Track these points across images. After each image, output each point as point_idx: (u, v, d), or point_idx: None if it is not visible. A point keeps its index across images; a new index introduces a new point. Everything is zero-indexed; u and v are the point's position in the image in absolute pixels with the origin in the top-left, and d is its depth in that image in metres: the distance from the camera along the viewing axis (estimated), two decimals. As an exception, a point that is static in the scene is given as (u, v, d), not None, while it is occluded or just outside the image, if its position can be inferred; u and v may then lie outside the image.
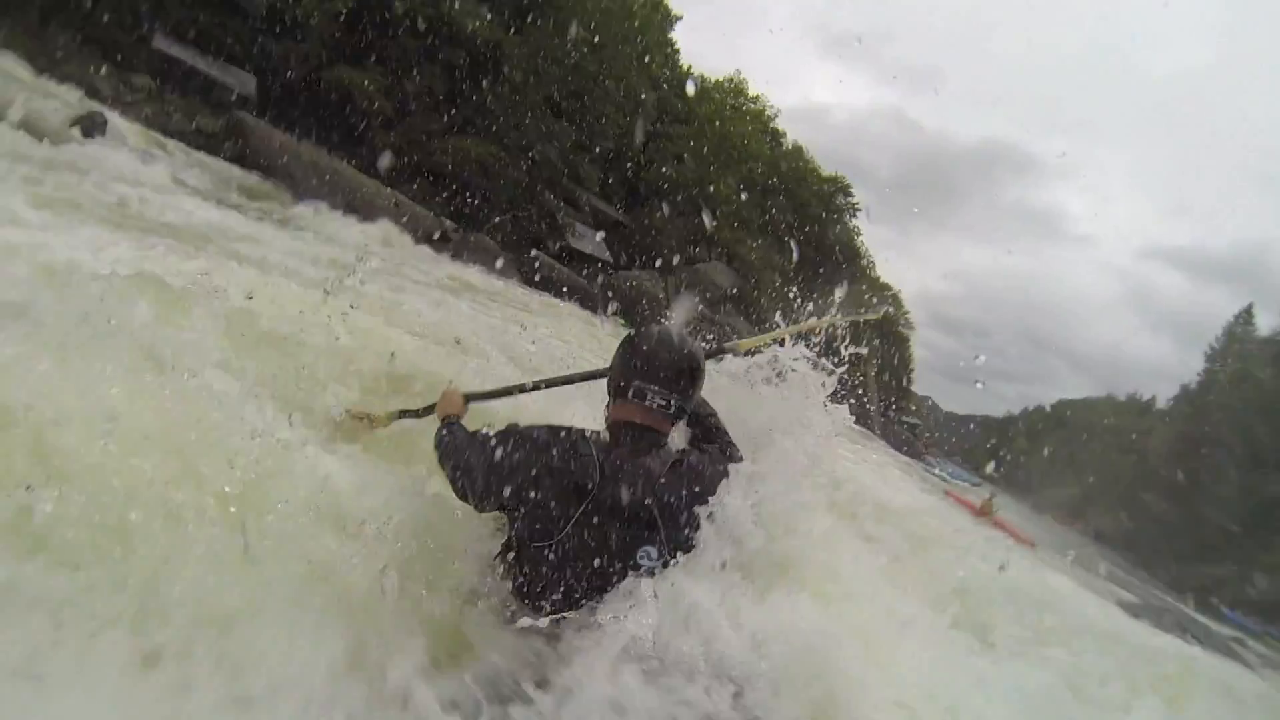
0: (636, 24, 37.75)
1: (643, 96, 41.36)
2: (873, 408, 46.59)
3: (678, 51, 53.82)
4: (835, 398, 3.09)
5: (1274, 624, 38.33)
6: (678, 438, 2.69)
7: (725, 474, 2.43)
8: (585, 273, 35.44)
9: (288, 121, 26.87)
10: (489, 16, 33.17)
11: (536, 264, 27.77)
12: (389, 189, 22.75)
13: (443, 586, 2.39)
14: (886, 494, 10.56)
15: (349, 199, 18.29)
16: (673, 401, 2.35)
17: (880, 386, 54.16)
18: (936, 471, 43.16)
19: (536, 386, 3.06)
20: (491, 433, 2.42)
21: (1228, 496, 57.64)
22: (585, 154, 36.85)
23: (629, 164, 44.13)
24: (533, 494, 2.22)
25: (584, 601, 2.19)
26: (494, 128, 32.76)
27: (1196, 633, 13.95)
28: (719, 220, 46.88)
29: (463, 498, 2.46)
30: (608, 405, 2.52)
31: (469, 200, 29.70)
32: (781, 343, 3.37)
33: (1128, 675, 4.91)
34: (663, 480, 2.27)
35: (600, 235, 38.27)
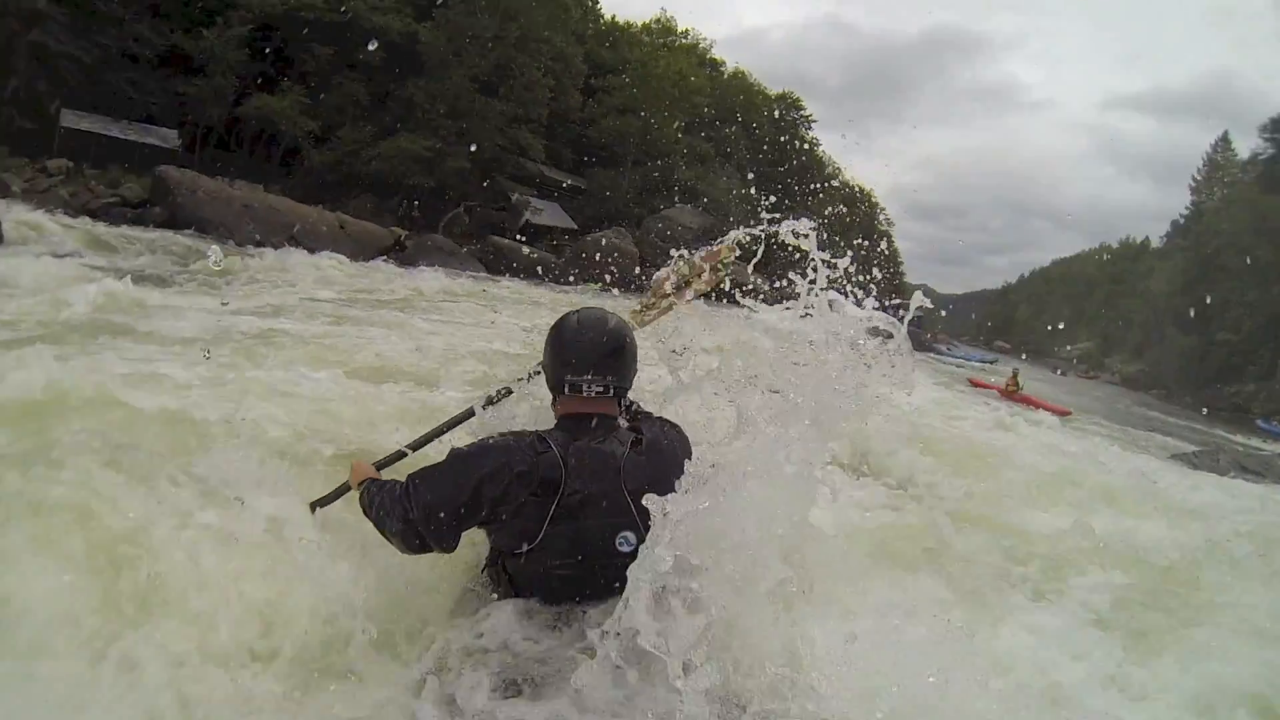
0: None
1: (569, 53, 40.62)
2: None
3: (598, 4, 53.21)
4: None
5: None
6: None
7: (685, 440, 2.44)
8: (554, 244, 35.15)
9: (220, 163, 26.51)
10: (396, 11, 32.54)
11: (492, 253, 27.41)
12: (332, 212, 22.28)
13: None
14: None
15: (290, 234, 17.79)
16: (610, 383, 2.32)
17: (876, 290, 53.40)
18: (950, 358, 42.65)
19: (427, 440, 2.81)
20: (437, 465, 2.30)
21: (1239, 316, 58.08)
22: (524, 125, 35.97)
23: (573, 125, 43.63)
24: (505, 503, 2.16)
25: (574, 599, 2.19)
26: (427, 121, 32.11)
27: (1253, 467, 13.95)
28: (675, 160, 46.46)
29: (419, 548, 2.30)
30: (553, 402, 2.49)
31: (413, 203, 29.20)
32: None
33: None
34: (627, 462, 2.23)
35: (556, 206, 37.94)
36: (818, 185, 61.78)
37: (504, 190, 35.19)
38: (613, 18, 55.33)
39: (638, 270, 33.61)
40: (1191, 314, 63.36)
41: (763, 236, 2.86)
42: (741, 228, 3.02)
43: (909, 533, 4.23)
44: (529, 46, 35.67)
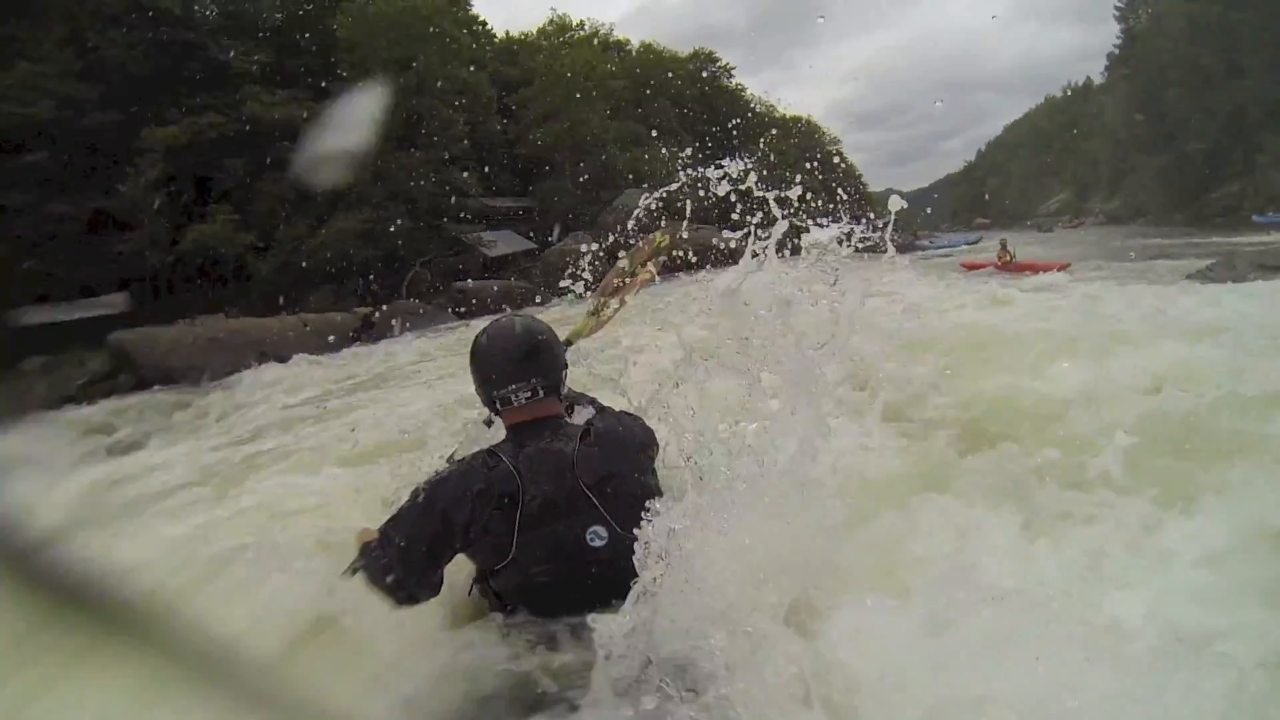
0: (430, 29, 36.33)
1: (474, 82, 40.38)
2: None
3: (485, 25, 52.98)
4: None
5: None
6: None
7: (646, 429, 2.47)
8: (520, 269, 35.07)
9: (179, 303, 26.40)
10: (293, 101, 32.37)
11: (460, 298, 27.18)
12: (294, 314, 22.15)
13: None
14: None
15: (259, 351, 17.61)
16: (535, 385, 2.37)
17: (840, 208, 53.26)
18: (935, 250, 42.26)
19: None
20: (400, 509, 2.30)
21: (1202, 122, 57.86)
22: (453, 166, 35.68)
23: (502, 151, 43.46)
24: (473, 524, 2.19)
25: (561, 603, 2.16)
26: (356, 195, 31.89)
27: (1272, 262, 13.89)
28: (610, 150, 46.29)
29: (406, 599, 2.23)
30: (498, 419, 2.55)
31: (369, 278, 29.05)
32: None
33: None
34: (578, 456, 2.26)
35: (508, 232, 37.80)
36: (739, 121, 62.39)
37: (453, 236, 34.93)
38: (507, 34, 55.31)
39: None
40: (1150, 130, 63.82)
41: (703, 189, 2.89)
42: (663, 190, 3.15)
43: (920, 467, 3.92)
44: (431, 89, 35.27)
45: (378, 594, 2.21)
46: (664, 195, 3.15)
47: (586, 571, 2.17)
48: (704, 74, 64.54)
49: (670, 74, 57.61)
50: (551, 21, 52.32)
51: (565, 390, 2.58)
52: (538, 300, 26.72)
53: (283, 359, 16.43)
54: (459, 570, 2.40)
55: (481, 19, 50.28)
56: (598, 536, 2.18)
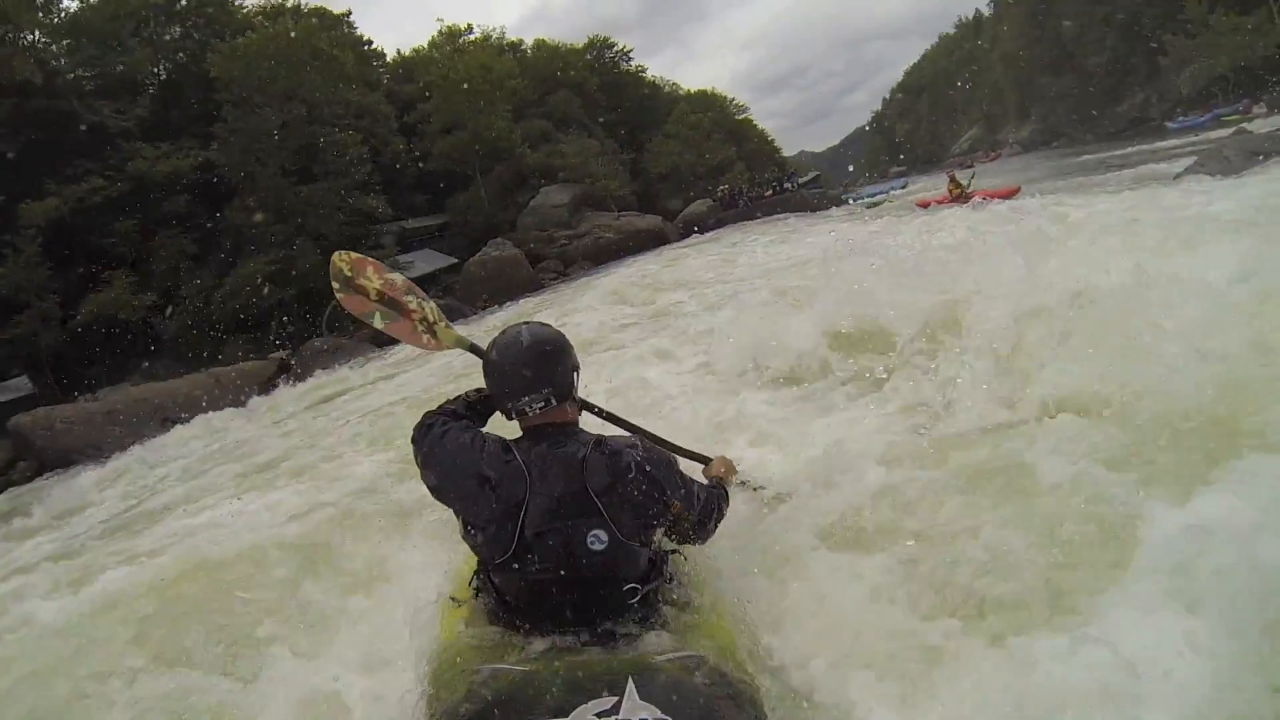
0: (308, 54, 34.85)
1: (369, 103, 39.12)
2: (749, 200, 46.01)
3: (379, 50, 51.59)
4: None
5: (1211, 108, 40.05)
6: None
7: (651, 455, 2.41)
8: (444, 286, 34.05)
9: (88, 376, 25.07)
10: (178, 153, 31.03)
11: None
12: (201, 372, 20.86)
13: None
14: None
15: (164, 415, 16.38)
16: (547, 395, 2.40)
17: (757, 182, 52.99)
18: (867, 200, 41.85)
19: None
20: (443, 428, 2.48)
21: (1099, 37, 59.14)
22: (358, 191, 34.32)
23: (409, 170, 42.29)
24: (473, 505, 2.30)
25: (557, 603, 2.25)
26: (259, 237, 30.78)
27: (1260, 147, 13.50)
28: (520, 150, 45.40)
29: (424, 479, 2.50)
30: None
31: (284, 320, 27.74)
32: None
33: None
34: (589, 461, 2.28)
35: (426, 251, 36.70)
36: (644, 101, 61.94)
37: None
38: (399, 52, 54.12)
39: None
40: (1048, 52, 64.76)
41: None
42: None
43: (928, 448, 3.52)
44: (324, 116, 33.91)
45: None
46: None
47: (584, 573, 2.22)
48: (602, 61, 63.79)
49: (568, 66, 56.90)
50: (441, 32, 50.82)
51: (577, 393, 2.59)
52: (466, 315, 25.94)
53: (188, 420, 15.21)
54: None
55: (367, 39, 49.08)
56: (598, 540, 2.22)
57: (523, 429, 2.47)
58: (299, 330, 27.16)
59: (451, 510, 2.42)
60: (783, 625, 2.60)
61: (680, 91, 71.65)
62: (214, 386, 18.68)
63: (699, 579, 2.64)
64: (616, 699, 1.79)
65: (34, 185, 28.07)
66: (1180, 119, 41.09)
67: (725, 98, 74.11)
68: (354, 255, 3.28)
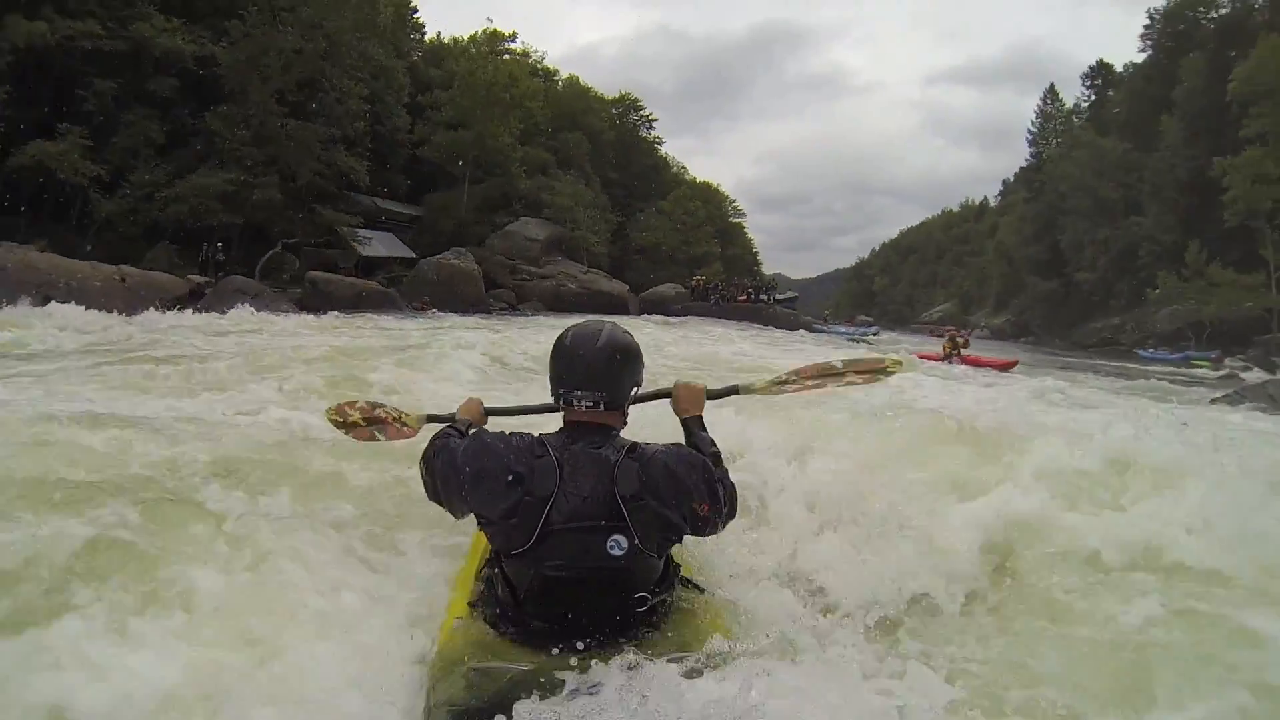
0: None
1: (390, 67, 38.34)
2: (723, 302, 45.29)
3: (420, 22, 51.02)
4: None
5: (1182, 349, 41.70)
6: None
7: (683, 460, 2.40)
8: (391, 276, 33.15)
9: (4, 226, 23.52)
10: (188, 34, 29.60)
11: (311, 289, 24.99)
12: (114, 265, 19.65)
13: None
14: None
15: (43, 294, 15.17)
16: (599, 399, 2.41)
17: (734, 283, 52.85)
18: (851, 335, 41.92)
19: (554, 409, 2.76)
20: (459, 443, 2.48)
21: (1094, 254, 61.39)
22: (342, 147, 32.98)
23: (403, 149, 41.55)
24: (501, 502, 2.26)
25: (569, 601, 2.25)
26: (230, 152, 29.14)
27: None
28: (514, 172, 45.00)
29: (435, 501, 2.55)
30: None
31: (217, 247, 26.47)
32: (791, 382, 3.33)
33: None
34: (620, 467, 2.28)
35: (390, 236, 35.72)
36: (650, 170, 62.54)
37: (329, 223, 32.60)
38: (438, 35, 53.36)
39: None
40: (1042, 253, 68.55)
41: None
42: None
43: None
44: (339, 58, 32.76)
45: (421, 471, 2.54)
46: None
47: (599, 576, 2.23)
48: (625, 119, 64.28)
49: (590, 111, 57.11)
50: (485, 31, 49.47)
51: (629, 405, 2.58)
52: (400, 310, 25.14)
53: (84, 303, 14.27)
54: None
55: (413, 4, 48.57)
56: (618, 545, 2.21)
57: (564, 420, 2.50)
58: (229, 262, 25.97)
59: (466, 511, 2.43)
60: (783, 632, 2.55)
61: (686, 175, 72.39)
62: (116, 284, 17.64)
63: (701, 583, 2.71)
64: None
65: (33, 4, 26.38)
66: (1151, 350, 42.67)
67: (726, 196, 75.44)
68: (332, 407, 3.61)
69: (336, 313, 21.45)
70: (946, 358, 21.18)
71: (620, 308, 38.67)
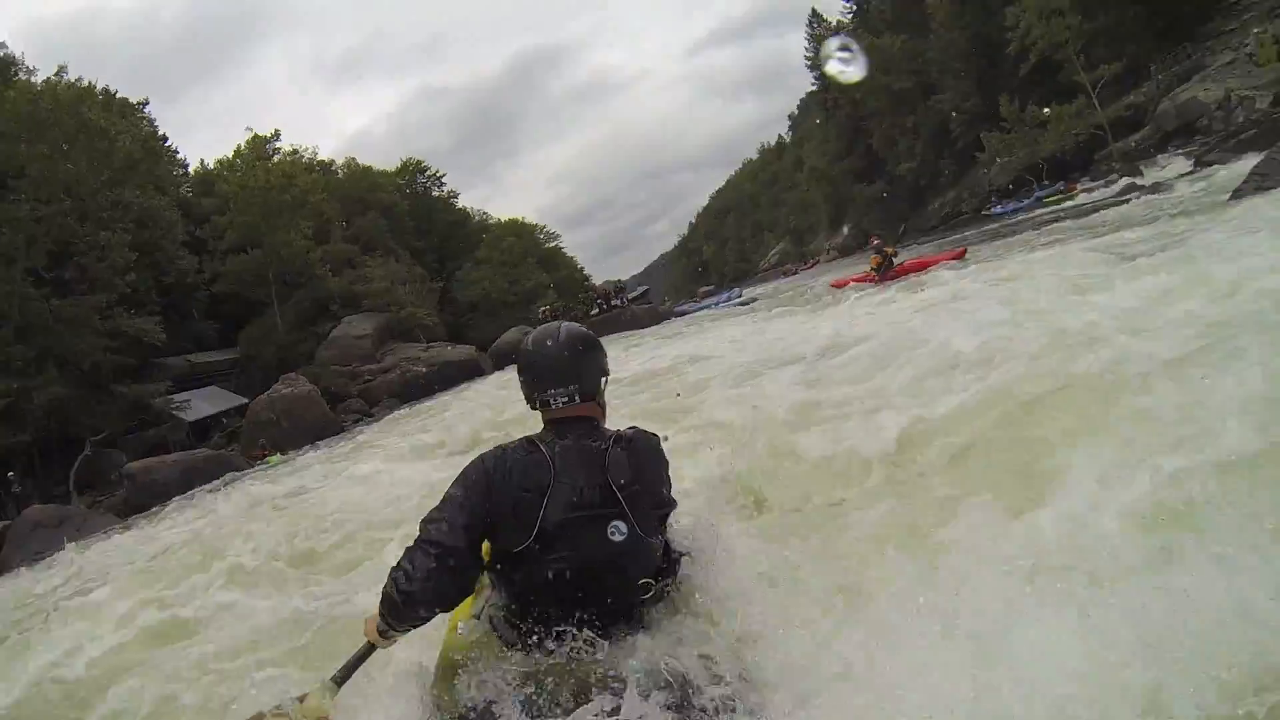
0: (80, 138, 29.77)
1: (155, 208, 35.07)
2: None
3: (175, 153, 47.73)
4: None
5: (1029, 192, 44.40)
6: None
7: (656, 441, 2.54)
8: (228, 430, 30.36)
9: None
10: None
11: (132, 485, 21.59)
12: None
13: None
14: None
15: None
16: (573, 392, 2.46)
17: (581, 300, 51.25)
18: (705, 309, 40.74)
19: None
20: (444, 496, 2.41)
21: (909, 144, 64.54)
22: (129, 311, 29.42)
23: (201, 296, 38.54)
24: (504, 505, 2.29)
25: (574, 592, 2.25)
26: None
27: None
28: (320, 274, 42.68)
29: (455, 578, 2.33)
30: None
31: (7, 476, 22.93)
32: None
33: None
34: (611, 456, 2.35)
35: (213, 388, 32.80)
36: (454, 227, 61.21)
37: (139, 400, 29.38)
38: (201, 163, 50.02)
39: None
40: (861, 163, 72.34)
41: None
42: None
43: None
44: (90, 212, 28.94)
45: (417, 603, 2.29)
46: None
47: (602, 564, 2.26)
48: (414, 185, 62.66)
49: (378, 188, 55.31)
50: (250, 142, 46.12)
51: (603, 396, 2.61)
52: (240, 470, 21.59)
53: None
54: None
55: (163, 134, 45.35)
56: (618, 532, 2.25)
57: (545, 421, 2.50)
58: (31, 489, 22.53)
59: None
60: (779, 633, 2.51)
61: (490, 220, 71.24)
62: None
63: (704, 583, 2.64)
64: (617, 701, 1.88)
65: None
66: (1000, 205, 44.92)
67: (535, 226, 74.54)
68: None
69: (157, 507, 17.70)
70: (879, 277, 18.06)
71: (474, 370, 36.79)
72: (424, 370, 36.48)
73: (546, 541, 2.24)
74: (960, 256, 17.30)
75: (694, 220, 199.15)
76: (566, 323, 2.60)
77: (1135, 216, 16.43)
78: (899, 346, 6.69)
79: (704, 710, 1.87)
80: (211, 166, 48.47)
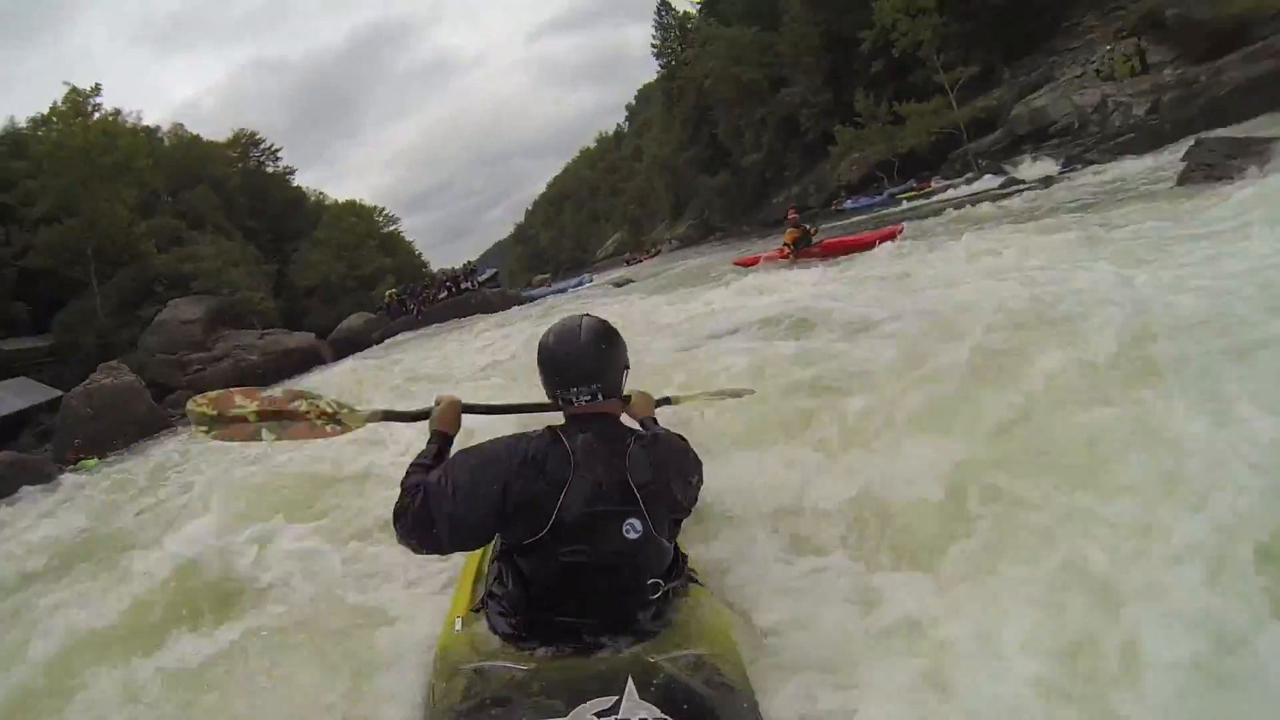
0: None
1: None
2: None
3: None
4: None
5: (880, 189, 45.11)
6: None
7: (678, 441, 2.60)
8: (39, 429, 28.39)
9: None
10: None
11: None
12: None
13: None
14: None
15: None
16: (595, 390, 2.45)
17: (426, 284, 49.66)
18: (553, 293, 39.90)
19: (540, 408, 2.80)
20: (464, 466, 2.37)
21: (756, 135, 63.71)
22: None
23: (9, 267, 35.64)
24: (523, 495, 2.26)
25: (583, 588, 2.27)
26: None
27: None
28: (145, 250, 40.46)
29: (431, 548, 2.41)
30: None
31: None
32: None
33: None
34: (632, 453, 2.36)
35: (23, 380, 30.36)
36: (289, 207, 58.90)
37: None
38: (11, 120, 45.01)
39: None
40: (703, 153, 71.82)
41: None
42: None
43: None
44: None
45: (402, 522, 2.34)
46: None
47: (615, 559, 2.25)
48: (247, 158, 59.81)
49: (209, 160, 52.58)
50: (68, 97, 41.54)
51: (623, 391, 2.63)
52: (50, 478, 17.83)
53: None
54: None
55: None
56: (633, 529, 2.26)
57: (567, 417, 2.52)
58: None
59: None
60: (782, 631, 2.63)
61: (327, 201, 68.94)
62: None
63: (705, 580, 2.72)
64: (616, 698, 1.84)
65: None
66: (851, 200, 45.06)
67: (374, 208, 72.78)
68: (212, 394, 2.94)
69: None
70: (792, 254, 16.39)
71: (314, 358, 35.40)
72: (259, 360, 34.80)
73: (560, 535, 2.24)
74: (893, 236, 14.70)
75: (530, 207, 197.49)
76: (588, 318, 2.57)
77: (1062, 203, 15.62)
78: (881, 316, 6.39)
79: (703, 709, 1.86)
80: (23, 126, 44.09)
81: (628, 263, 70.47)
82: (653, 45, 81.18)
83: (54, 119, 41.17)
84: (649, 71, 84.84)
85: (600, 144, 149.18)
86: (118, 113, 46.18)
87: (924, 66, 45.53)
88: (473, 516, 2.30)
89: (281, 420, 2.92)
